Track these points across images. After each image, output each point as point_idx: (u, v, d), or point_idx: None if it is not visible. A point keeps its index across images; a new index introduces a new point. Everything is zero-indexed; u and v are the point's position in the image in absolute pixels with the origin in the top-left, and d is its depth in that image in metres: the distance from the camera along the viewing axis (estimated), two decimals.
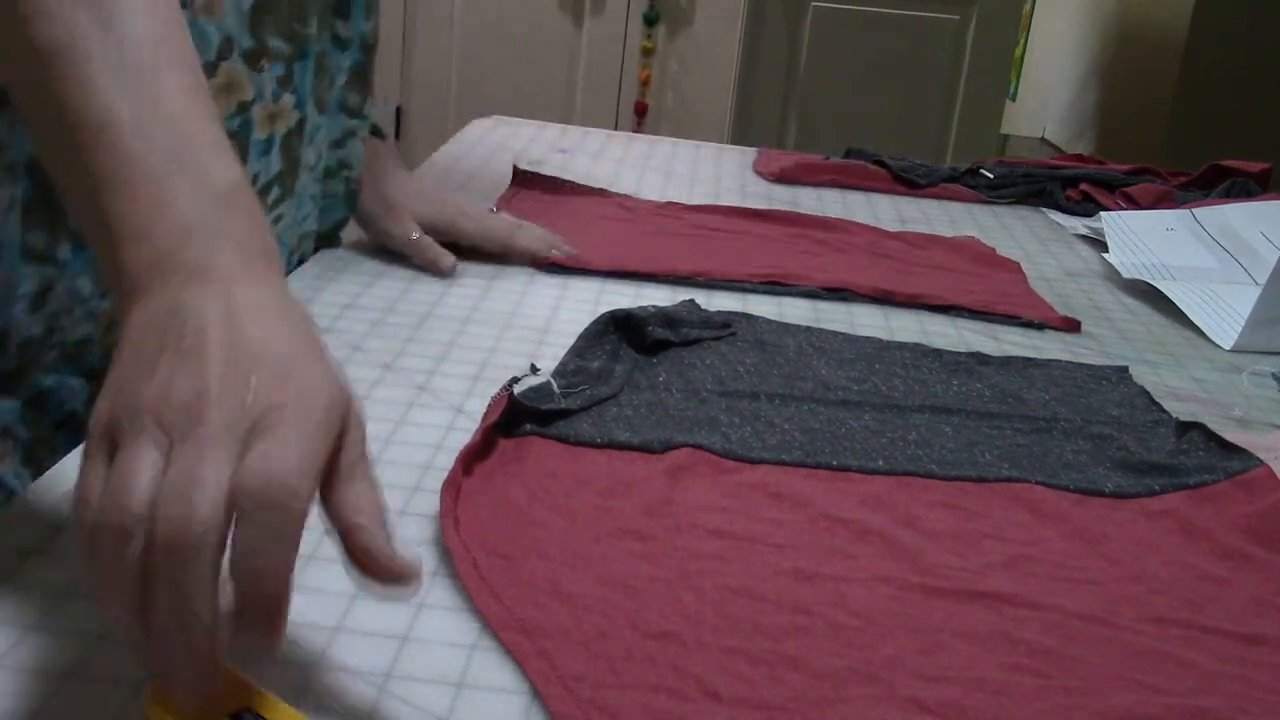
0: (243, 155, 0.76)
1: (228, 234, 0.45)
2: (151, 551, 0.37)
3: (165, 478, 0.38)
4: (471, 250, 0.98)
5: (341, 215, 0.97)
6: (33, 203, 0.67)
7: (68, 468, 0.59)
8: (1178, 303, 1.03)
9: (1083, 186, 1.39)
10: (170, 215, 0.44)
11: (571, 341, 0.79)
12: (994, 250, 1.15)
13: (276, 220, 0.84)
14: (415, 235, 0.95)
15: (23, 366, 0.70)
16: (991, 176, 1.41)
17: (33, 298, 0.68)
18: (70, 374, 0.73)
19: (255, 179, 0.79)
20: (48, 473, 0.59)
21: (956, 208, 1.34)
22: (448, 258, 0.95)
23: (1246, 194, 1.34)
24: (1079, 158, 1.56)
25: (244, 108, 0.75)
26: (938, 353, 0.86)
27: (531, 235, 0.99)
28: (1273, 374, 0.91)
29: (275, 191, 0.82)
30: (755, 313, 0.90)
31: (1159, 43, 3.30)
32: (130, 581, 0.37)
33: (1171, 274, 1.11)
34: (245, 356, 0.41)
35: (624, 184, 1.28)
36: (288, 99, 0.79)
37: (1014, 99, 4.48)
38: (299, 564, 0.53)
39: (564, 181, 1.22)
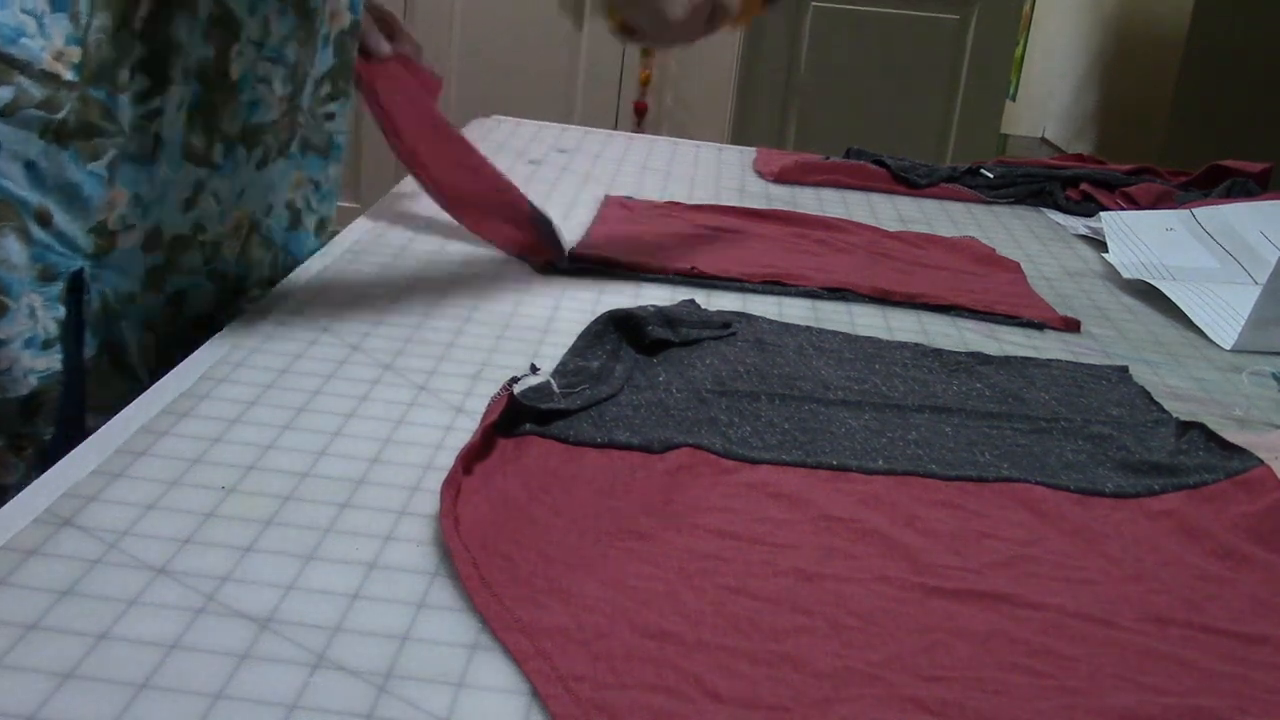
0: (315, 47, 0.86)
1: None
2: None
3: None
4: (474, 250, 0.98)
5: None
6: (200, 106, 0.76)
7: (86, 453, 0.60)
8: (1178, 303, 1.03)
9: (1083, 186, 1.39)
10: None
11: (571, 341, 0.79)
12: (994, 250, 1.15)
13: (329, 118, 0.91)
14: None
15: (169, 263, 0.79)
16: (991, 176, 1.41)
17: (186, 200, 0.78)
18: (206, 277, 0.83)
19: (306, 75, 0.86)
20: (49, 471, 0.59)
21: (956, 208, 1.34)
22: (384, 41, 1.00)
23: (1246, 194, 1.34)
24: (1079, 158, 1.55)
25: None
26: (938, 353, 0.86)
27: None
28: (1273, 374, 0.91)
29: (326, 87, 0.90)
30: (755, 313, 0.90)
31: (1159, 42, 3.30)
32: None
33: (1171, 274, 1.11)
34: None
35: (624, 184, 1.28)
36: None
37: (1014, 99, 4.48)
38: (299, 565, 0.53)
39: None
